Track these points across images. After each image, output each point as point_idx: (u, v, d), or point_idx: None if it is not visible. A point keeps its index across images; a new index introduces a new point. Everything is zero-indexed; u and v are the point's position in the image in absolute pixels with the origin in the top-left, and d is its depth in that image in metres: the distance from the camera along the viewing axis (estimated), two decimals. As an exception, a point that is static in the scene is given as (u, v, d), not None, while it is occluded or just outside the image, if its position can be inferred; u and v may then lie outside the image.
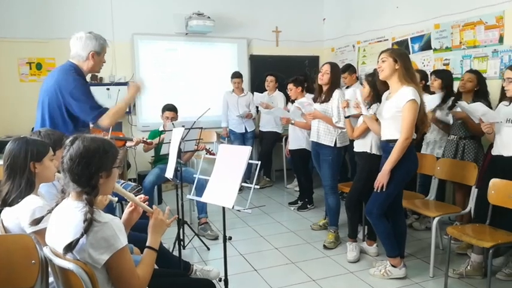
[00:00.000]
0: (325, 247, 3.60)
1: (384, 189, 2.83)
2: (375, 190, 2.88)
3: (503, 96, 3.17)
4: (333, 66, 3.66)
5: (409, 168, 2.87)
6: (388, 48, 3.25)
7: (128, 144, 4.17)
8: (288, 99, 5.55)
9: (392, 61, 2.77)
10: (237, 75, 5.69)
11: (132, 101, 2.77)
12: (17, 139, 1.90)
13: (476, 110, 2.90)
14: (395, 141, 2.79)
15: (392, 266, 2.99)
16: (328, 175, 3.70)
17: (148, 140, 4.14)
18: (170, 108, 4.40)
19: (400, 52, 2.91)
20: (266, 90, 5.75)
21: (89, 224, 1.37)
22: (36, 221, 1.61)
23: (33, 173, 1.84)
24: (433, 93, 3.85)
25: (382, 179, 2.82)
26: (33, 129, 2.61)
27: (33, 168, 1.84)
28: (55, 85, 2.58)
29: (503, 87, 3.20)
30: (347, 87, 4.88)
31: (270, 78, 5.66)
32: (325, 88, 3.67)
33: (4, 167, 1.84)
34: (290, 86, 4.56)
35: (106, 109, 2.62)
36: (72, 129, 2.57)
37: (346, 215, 3.53)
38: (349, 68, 5.01)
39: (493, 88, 3.64)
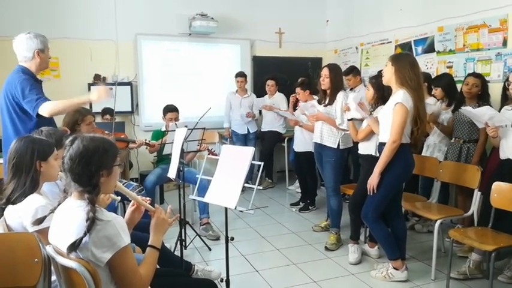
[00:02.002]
0: (326, 249, 3.59)
1: (375, 192, 2.85)
2: (368, 193, 2.90)
3: (504, 100, 3.16)
4: (332, 68, 3.66)
5: (398, 174, 2.87)
6: (394, 54, 3.28)
7: (131, 146, 4.18)
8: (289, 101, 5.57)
9: (391, 65, 2.82)
10: (241, 74, 5.69)
11: (76, 107, 2.76)
12: (22, 138, 1.91)
13: (484, 113, 2.87)
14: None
15: (395, 268, 2.98)
16: (331, 177, 3.70)
17: (151, 142, 4.14)
18: (172, 109, 4.40)
19: (398, 56, 2.94)
20: (267, 93, 5.77)
21: (92, 222, 1.38)
22: (39, 221, 1.61)
23: (38, 172, 1.84)
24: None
25: (371, 181, 2.85)
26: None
27: (39, 167, 1.85)
28: (6, 89, 2.70)
29: (504, 91, 3.20)
30: (351, 89, 4.89)
31: (270, 82, 5.66)
32: (328, 91, 3.68)
33: (10, 166, 1.85)
34: (298, 90, 4.56)
35: (43, 100, 2.61)
36: (33, 127, 2.61)
37: (348, 217, 3.52)
38: (353, 71, 5.01)
39: (497, 91, 3.63)
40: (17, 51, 2.75)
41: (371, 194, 2.89)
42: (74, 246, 1.37)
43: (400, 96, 2.73)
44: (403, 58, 2.88)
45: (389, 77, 2.83)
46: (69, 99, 2.69)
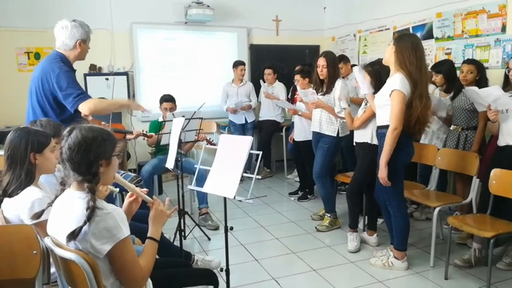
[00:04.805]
0: (316, 229, 3.62)
1: (390, 183, 2.75)
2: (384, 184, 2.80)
3: (505, 86, 3.13)
4: (329, 57, 3.63)
5: (403, 159, 2.81)
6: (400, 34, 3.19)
7: (128, 137, 4.14)
8: (289, 90, 5.55)
9: (392, 45, 2.75)
10: (242, 62, 5.66)
11: (117, 108, 2.69)
12: (18, 129, 1.88)
13: (490, 94, 2.80)
14: (383, 127, 2.77)
15: (396, 258, 2.99)
16: (319, 162, 3.72)
17: (148, 133, 4.11)
18: (168, 99, 4.36)
19: (402, 36, 2.86)
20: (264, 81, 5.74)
21: (92, 211, 1.37)
22: (37, 216, 1.60)
23: (33, 164, 1.82)
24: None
25: (381, 175, 2.76)
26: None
27: (33, 160, 1.82)
28: (41, 74, 2.58)
29: (506, 77, 3.17)
30: (343, 78, 4.85)
31: (267, 71, 5.62)
32: (326, 80, 3.65)
33: (5, 158, 1.82)
34: (297, 77, 4.51)
35: (86, 96, 2.57)
36: (61, 117, 2.56)
37: (345, 205, 3.53)
38: (343, 59, 4.98)
39: (495, 77, 3.61)
40: (57, 37, 2.62)
41: (388, 186, 2.78)
42: (74, 235, 1.36)
43: (397, 83, 2.65)
44: (406, 38, 2.78)
45: (388, 57, 2.77)
46: (111, 100, 2.64)
